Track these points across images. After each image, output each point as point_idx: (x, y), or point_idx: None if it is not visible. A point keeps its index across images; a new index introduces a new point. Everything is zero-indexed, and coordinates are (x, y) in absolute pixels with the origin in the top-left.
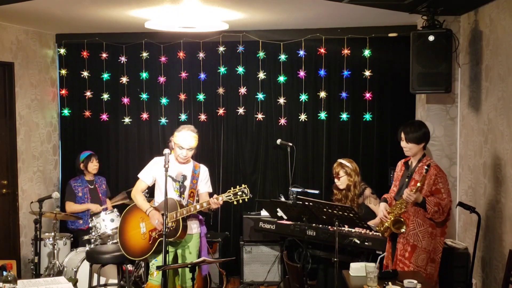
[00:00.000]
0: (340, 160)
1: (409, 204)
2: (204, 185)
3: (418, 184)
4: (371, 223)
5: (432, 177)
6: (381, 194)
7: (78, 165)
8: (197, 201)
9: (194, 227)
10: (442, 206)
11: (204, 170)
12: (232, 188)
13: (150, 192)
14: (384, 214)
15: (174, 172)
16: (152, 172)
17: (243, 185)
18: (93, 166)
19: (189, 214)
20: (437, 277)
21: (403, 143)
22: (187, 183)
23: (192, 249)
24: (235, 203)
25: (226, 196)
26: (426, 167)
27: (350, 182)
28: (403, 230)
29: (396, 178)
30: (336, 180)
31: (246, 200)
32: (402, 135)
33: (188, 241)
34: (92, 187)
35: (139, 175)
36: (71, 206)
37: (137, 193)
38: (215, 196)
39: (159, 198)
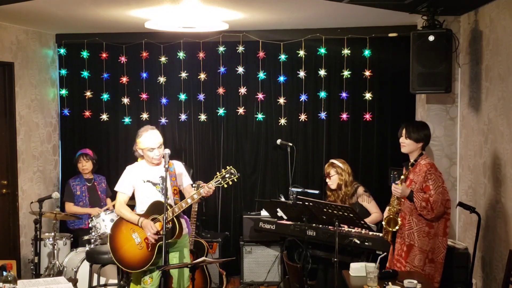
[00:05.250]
0: (331, 160)
1: (400, 199)
2: (185, 178)
3: (402, 177)
4: (366, 221)
5: (423, 174)
6: (381, 193)
7: (74, 163)
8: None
9: (184, 227)
10: (430, 202)
11: (178, 165)
12: (218, 172)
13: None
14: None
15: (151, 176)
16: (129, 181)
17: (228, 167)
18: (82, 167)
19: (179, 213)
20: (438, 277)
21: (402, 139)
22: (167, 183)
23: (185, 249)
24: (225, 186)
25: (216, 182)
26: (413, 161)
27: (340, 181)
28: (397, 227)
29: None
30: (327, 180)
31: (235, 180)
32: (404, 131)
33: (180, 242)
34: (91, 185)
35: (116, 189)
36: (70, 208)
37: (122, 207)
38: (203, 184)
39: (142, 205)
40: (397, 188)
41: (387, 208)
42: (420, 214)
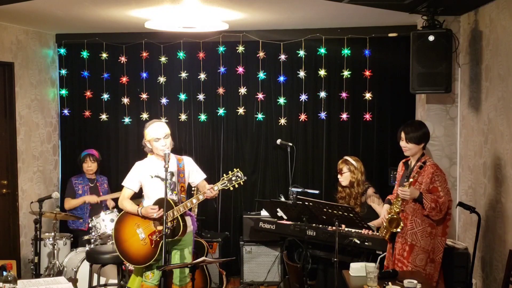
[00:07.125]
0: (346, 157)
1: (406, 201)
2: (197, 174)
3: (410, 180)
4: (373, 223)
5: (429, 175)
6: (381, 193)
7: (78, 163)
8: (196, 193)
9: (189, 225)
10: (439, 203)
11: (188, 161)
12: (225, 174)
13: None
14: (385, 215)
15: (159, 171)
16: (136, 177)
17: (235, 169)
18: (87, 167)
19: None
20: (438, 277)
21: (403, 143)
22: (175, 178)
23: (188, 247)
24: (231, 188)
25: (222, 184)
26: (421, 164)
27: (352, 179)
28: (399, 229)
29: (398, 179)
30: (339, 176)
31: (241, 183)
32: (402, 135)
33: (184, 239)
34: (93, 185)
35: (123, 183)
36: (69, 202)
37: (124, 200)
38: (209, 186)
39: (149, 200)
40: (405, 192)
41: (385, 207)
42: (427, 215)
